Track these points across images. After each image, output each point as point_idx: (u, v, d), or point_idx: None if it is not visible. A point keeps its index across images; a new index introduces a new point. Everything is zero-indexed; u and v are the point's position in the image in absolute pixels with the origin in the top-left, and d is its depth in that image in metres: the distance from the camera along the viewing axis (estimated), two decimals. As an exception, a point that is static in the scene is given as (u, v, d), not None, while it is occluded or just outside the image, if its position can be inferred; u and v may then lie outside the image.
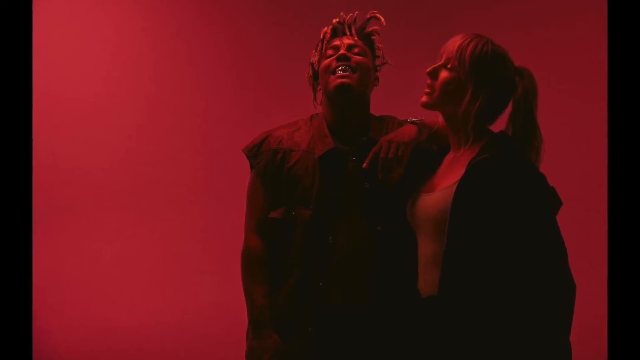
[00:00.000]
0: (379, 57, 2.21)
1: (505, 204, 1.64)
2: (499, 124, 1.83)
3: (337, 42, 2.13)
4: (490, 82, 1.76)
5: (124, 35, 3.55)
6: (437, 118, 1.92)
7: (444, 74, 1.80)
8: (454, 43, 1.80)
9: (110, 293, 3.40)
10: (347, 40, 2.13)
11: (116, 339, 3.37)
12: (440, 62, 1.81)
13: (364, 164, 2.00)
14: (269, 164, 2.12)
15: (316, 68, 2.18)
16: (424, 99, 1.83)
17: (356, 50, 2.12)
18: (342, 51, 2.10)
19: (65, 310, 3.39)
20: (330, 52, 2.13)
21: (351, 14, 2.19)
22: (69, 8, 3.51)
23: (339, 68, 2.08)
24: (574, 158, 3.37)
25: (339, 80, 2.07)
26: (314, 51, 2.21)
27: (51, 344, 3.34)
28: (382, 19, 2.20)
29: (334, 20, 2.19)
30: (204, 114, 3.57)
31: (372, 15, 2.20)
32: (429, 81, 1.83)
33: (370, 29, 2.20)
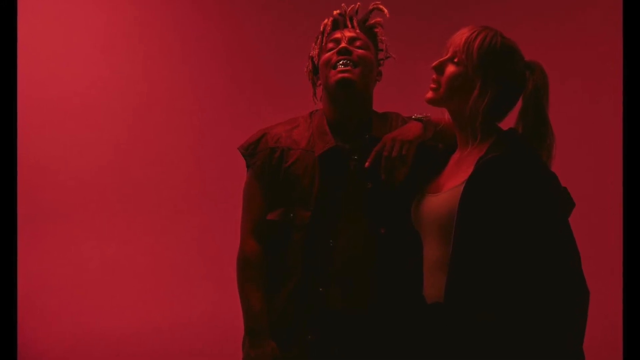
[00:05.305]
0: (382, 50, 2.21)
1: (514, 205, 1.64)
2: (509, 121, 1.83)
3: (338, 35, 2.13)
4: (499, 77, 1.76)
5: (113, 30, 3.54)
6: (443, 115, 1.92)
7: (450, 69, 1.79)
8: (461, 36, 1.79)
9: (99, 299, 3.40)
10: (348, 33, 2.13)
11: (105, 347, 3.36)
12: (447, 56, 1.80)
13: (367, 163, 2.00)
14: (266, 163, 2.12)
15: (316, 62, 2.18)
16: (430, 94, 1.83)
17: (358, 43, 2.12)
18: (343, 44, 2.10)
19: (52, 318, 3.38)
20: (330, 45, 2.13)
21: (353, 5, 2.19)
22: (56, 2, 3.51)
23: (340, 62, 2.08)
24: (587, 157, 3.37)
25: (340, 75, 2.06)
26: (313, 44, 2.20)
27: (37, 351, 3.34)
28: (386, 11, 2.19)
29: (335, 12, 2.19)
30: (198, 112, 3.57)
31: (374, 6, 2.20)
32: (434, 76, 1.82)
33: (373, 21, 2.19)
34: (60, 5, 3.51)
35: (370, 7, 2.20)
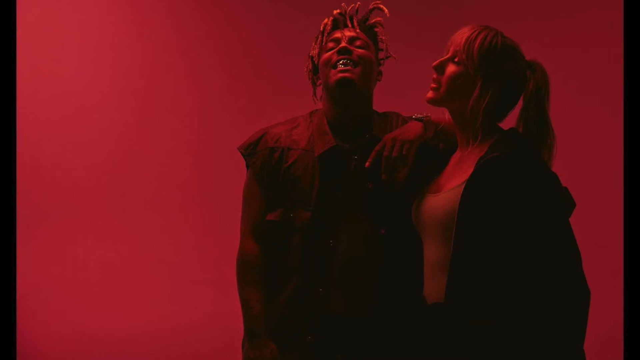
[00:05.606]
0: (382, 50, 2.21)
1: (515, 206, 1.64)
2: (509, 121, 1.83)
3: (338, 35, 2.13)
4: (500, 77, 1.76)
5: (110, 29, 3.54)
6: (444, 115, 1.92)
7: (451, 68, 1.79)
8: (462, 35, 1.79)
9: (98, 300, 3.40)
10: (348, 33, 2.13)
11: (104, 348, 3.36)
12: (447, 56, 1.80)
13: (367, 163, 2.00)
14: (266, 163, 2.11)
15: (316, 62, 2.18)
16: (430, 94, 1.83)
17: (358, 43, 2.11)
18: (343, 44, 2.09)
19: (51, 318, 3.38)
20: (330, 44, 2.13)
21: (353, 5, 2.19)
22: (54, 2, 3.50)
23: (340, 62, 2.07)
24: (588, 157, 3.37)
25: (340, 75, 2.06)
26: (313, 44, 2.20)
27: (36, 351, 3.33)
28: (386, 10, 2.19)
29: (335, 12, 2.19)
30: (196, 111, 3.56)
31: (375, 5, 2.20)
32: (435, 75, 1.82)
33: (373, 21, 2.19)
34: (57, 4, 3.50)
35: (371, 7, 2.20)
